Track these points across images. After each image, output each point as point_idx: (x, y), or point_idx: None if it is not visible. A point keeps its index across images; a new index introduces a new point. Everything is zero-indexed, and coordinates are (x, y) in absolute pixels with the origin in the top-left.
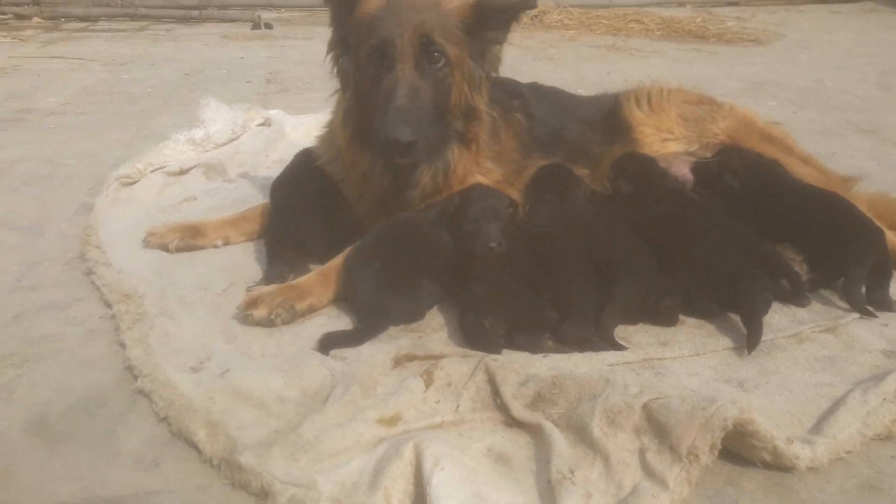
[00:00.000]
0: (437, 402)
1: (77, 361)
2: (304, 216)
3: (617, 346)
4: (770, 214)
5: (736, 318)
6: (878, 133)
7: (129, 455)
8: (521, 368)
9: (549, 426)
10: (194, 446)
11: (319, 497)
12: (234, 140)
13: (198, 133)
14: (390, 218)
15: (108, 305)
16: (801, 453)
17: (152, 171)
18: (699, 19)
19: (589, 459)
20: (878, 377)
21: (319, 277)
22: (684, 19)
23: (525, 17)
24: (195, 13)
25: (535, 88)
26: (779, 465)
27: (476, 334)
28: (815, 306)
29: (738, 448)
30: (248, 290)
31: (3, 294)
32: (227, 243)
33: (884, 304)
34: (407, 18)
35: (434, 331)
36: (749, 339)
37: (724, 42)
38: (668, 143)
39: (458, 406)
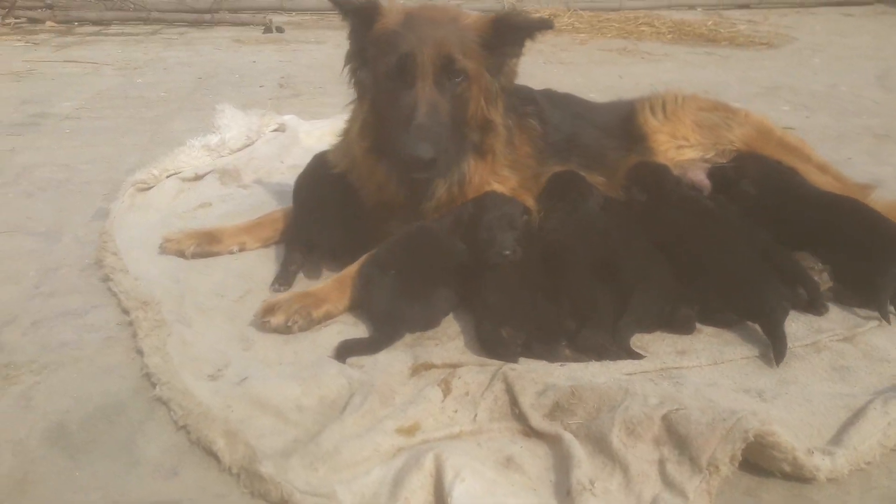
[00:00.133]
0: (455, 411)
1: (95, 369)
2: (325, 218)
3: (634, 356)
4: (789, 221)
5: (753, 326)
6: (893, 138)
7: (148, 463)
8: (539, 378)
9: (567, 437)
10: (213, 455)
11: None
12: (248, 146)
13: (213, 139)
14: (406, 227)
15: (126, 312)
16: (822, 464)
17: (168, 177)
18: (710, 22)
19: (608, 470)
20: None
21: (335, 285)
22: (695, 22)
23: (541, 36)
24: (207, 17)
25: (549, 94)
26: (799, 477)
27: (493, 343)
28: (833, 315)
29: (758, 459)
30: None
31: (21, 301)
32: (242, 249)
33: None
34: (427, 35)
35: (450, 339)
36: (775, 351)
37: (735, 45)
38: (683, 150)
39: (476, 416)
